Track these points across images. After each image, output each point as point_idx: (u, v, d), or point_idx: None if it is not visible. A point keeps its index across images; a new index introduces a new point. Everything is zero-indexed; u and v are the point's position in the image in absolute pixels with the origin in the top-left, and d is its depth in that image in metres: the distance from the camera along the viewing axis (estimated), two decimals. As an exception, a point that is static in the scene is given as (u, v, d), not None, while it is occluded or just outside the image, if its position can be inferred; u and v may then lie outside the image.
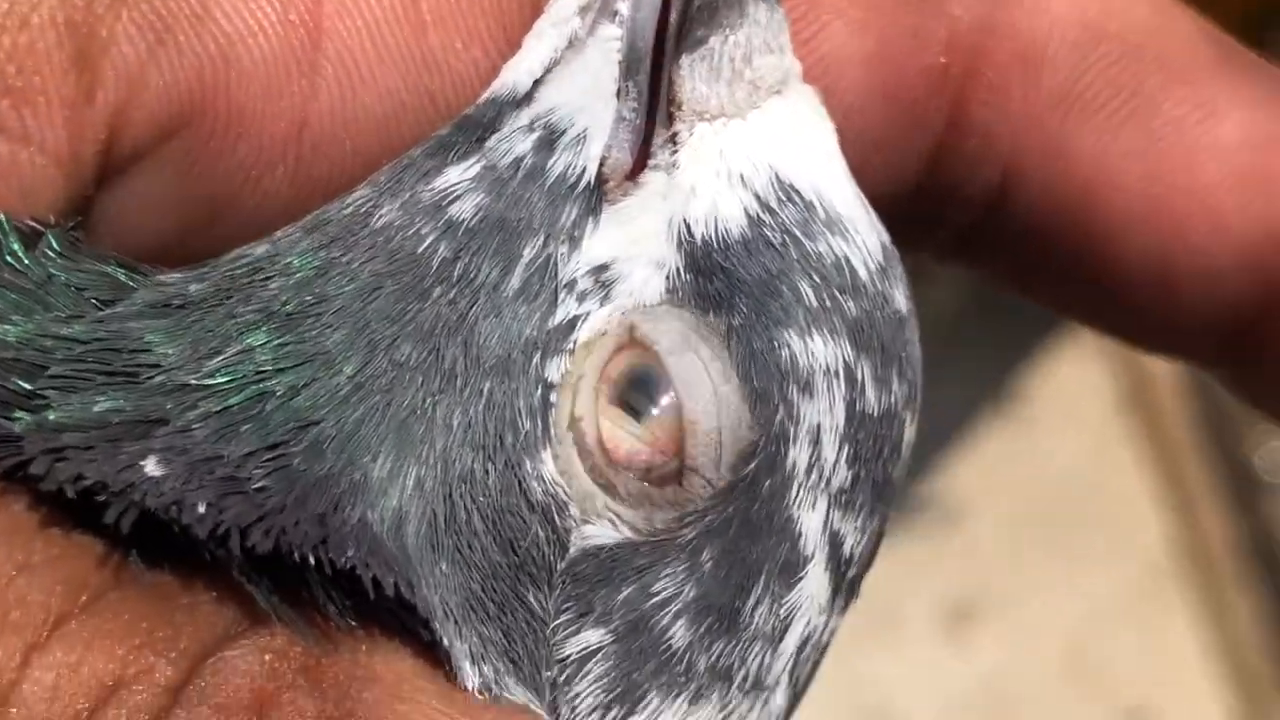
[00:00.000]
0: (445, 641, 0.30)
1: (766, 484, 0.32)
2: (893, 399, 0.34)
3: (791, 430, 0.32)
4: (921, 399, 0.35)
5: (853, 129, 0.35)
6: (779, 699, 0.34)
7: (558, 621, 0.32)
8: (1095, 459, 1.41)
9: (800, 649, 0.34)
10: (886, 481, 0.34)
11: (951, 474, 1.37)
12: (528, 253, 0.33)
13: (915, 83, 0.37)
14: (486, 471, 0.32)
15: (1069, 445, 1.42)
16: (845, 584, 0.34)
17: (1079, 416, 1.43)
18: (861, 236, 0.34)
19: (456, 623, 0.31)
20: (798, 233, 0.33)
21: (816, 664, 0.35)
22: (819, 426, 0.33)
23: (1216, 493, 1.37)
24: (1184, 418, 1.40)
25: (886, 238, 0.34)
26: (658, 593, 0.32)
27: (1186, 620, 1.34)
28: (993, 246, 0.40)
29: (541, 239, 0.33)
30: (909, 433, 0.35)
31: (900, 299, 0.34)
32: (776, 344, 0.33)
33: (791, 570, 0.33)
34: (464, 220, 0.33)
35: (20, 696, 0.28)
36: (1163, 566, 1.36)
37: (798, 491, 0.33)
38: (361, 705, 0.29)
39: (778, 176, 0.33)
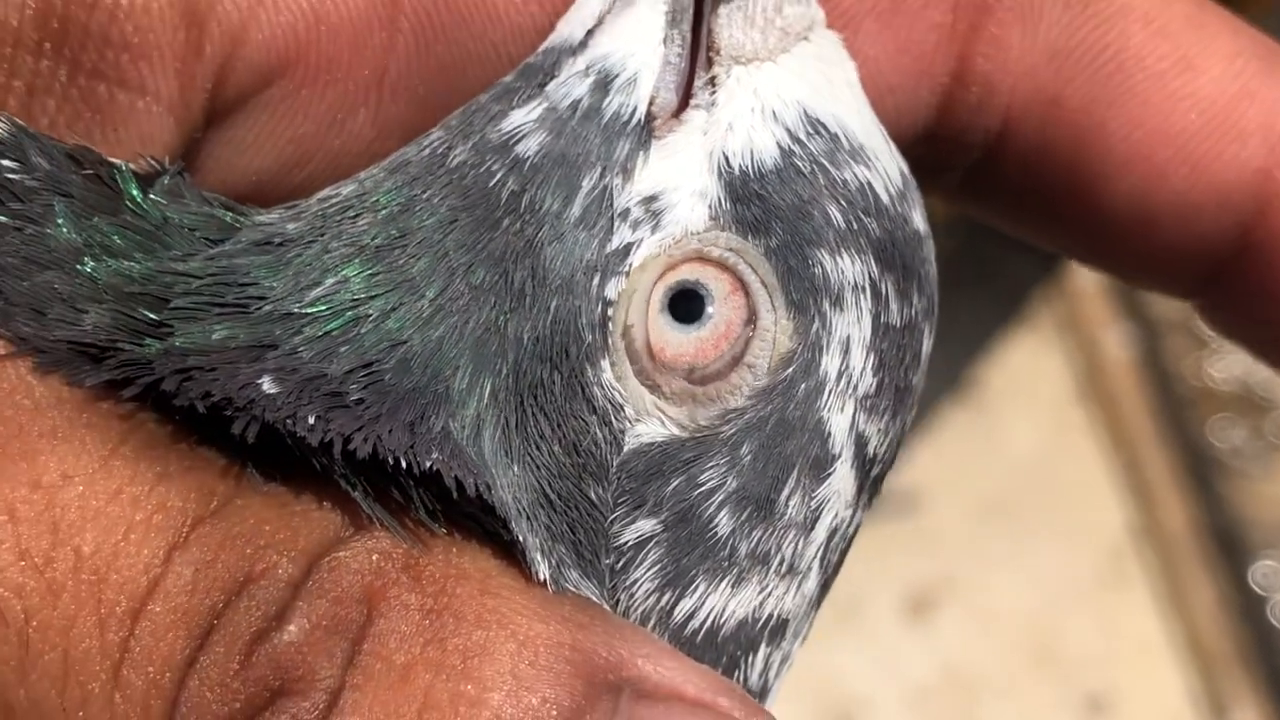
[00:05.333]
0: (521, 539, 0.34)
1: (802, 387, 0.36)
2: (913, 312, 0.38)
3: (825, 340, 0.36)
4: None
5: (868, 77, 0.39)
6: (811, 583, 0.38)
7: (615, 514, 0.36)
8: (1053, 445, 1.43)
9: (830, 538, 0.38)
10: (908, 388, 0.38)
11: (911, 462, 1.40)
12: (586, 184, 0.36)
13: (925, 37, 0.41)
14: (553, 380, 0.35)
15: (1027, 432, 1.44)
16: (869, 481, 0.38)
17: (1037, 404, 1.46)
18: (882, 164, 0.37)
19: (528, 519, 0.35)
20: (825, 162, 0.37)
21: (844, 553, 0.39)
22: (849, 338, 0.37)
23: (1174, 477, 1.39)
24: (1141, 403, 1.42)
25: (904, 165, 0.38)
26: (703, 484, 0.36)
27: (1147, 604, 1.36)
28: (993, 188, 0.44)
29: (598, 171, 0.36)
30: (927, 343, 0.39)
31: (918, 220, 0.38)
32: (810, 262, 0.36)
33: (821, 466, 0.37)
34: (529, 157, 0.36)
35: (164, 589, 0.32)
36: (1122, 551, 1.38)
37: (828, 396, 0.37)
38: (456, 600, 0.32)
39: (806, 112, 0.37)
